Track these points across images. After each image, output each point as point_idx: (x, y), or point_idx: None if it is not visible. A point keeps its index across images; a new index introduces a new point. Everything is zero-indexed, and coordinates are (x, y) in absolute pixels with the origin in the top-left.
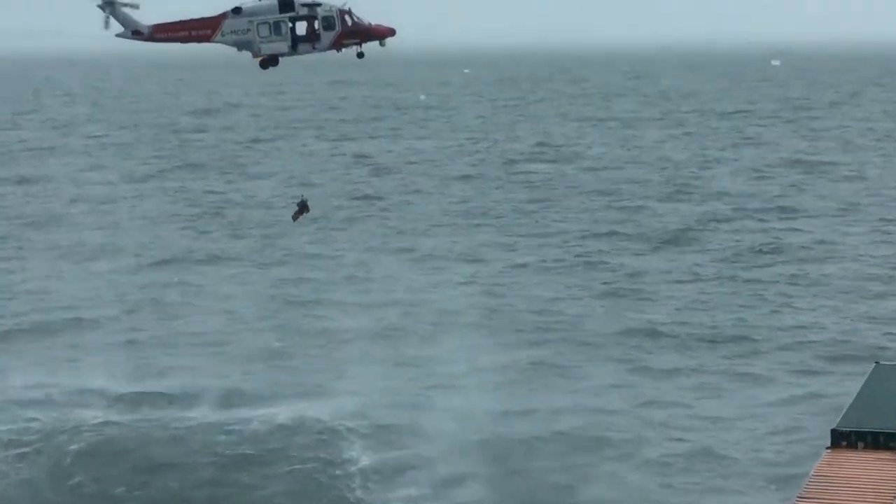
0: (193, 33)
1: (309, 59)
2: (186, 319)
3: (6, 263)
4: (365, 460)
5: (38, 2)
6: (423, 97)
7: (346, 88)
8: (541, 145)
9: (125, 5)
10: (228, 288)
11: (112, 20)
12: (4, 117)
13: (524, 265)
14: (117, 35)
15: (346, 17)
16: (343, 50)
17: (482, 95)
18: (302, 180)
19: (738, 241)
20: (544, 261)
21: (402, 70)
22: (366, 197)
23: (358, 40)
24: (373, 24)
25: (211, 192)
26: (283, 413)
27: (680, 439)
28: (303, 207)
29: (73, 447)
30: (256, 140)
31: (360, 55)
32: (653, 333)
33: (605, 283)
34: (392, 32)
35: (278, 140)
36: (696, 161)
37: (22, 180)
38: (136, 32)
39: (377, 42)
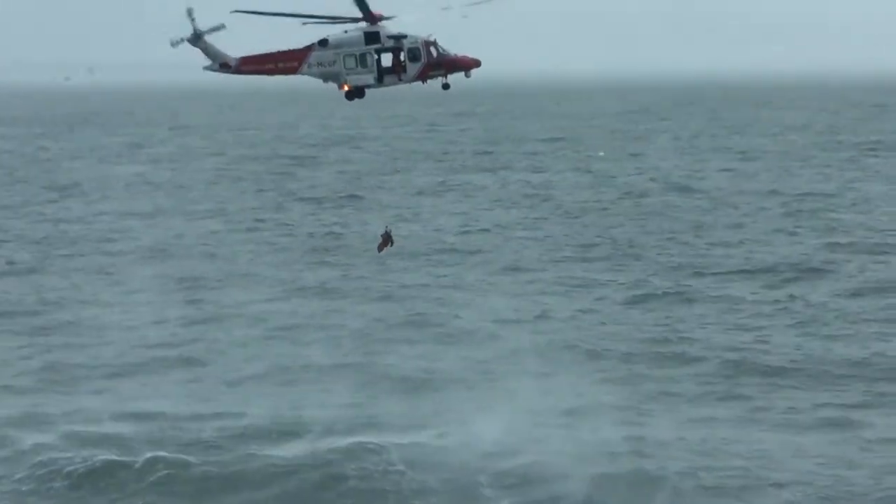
0: (280, 65)
1: (426, 90)
2: (288, 353)
3: (115, 297)
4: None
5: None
6: (601, 153)
7: (468, 120)
8: (654, 180)
9: (213, 30)
10: (331, 321)
11: (182, 41)
12: (119, 150)
13: (634, 298)
14: (205, 68)
15: (432, 49)
16: (428, 81)
17: (603, 127)
18: (413, 213)
19: (860, 276)
20: (654, 295)
21: (530, 101)
22: (476, 231)
23: (443, 71)
24: (458, 55)
25: (322, 225)
26: (387, 452)
27: (807, 482)
28: (387, 239)
29: (169, 483)
30: (370, 173)
31: (446, 86)
32: (768, 371)
33: (718, 319)
34: (477, 63)
35: (394, 173)
36: (817, 193)
37: (128, 214)
38: (223, 65)
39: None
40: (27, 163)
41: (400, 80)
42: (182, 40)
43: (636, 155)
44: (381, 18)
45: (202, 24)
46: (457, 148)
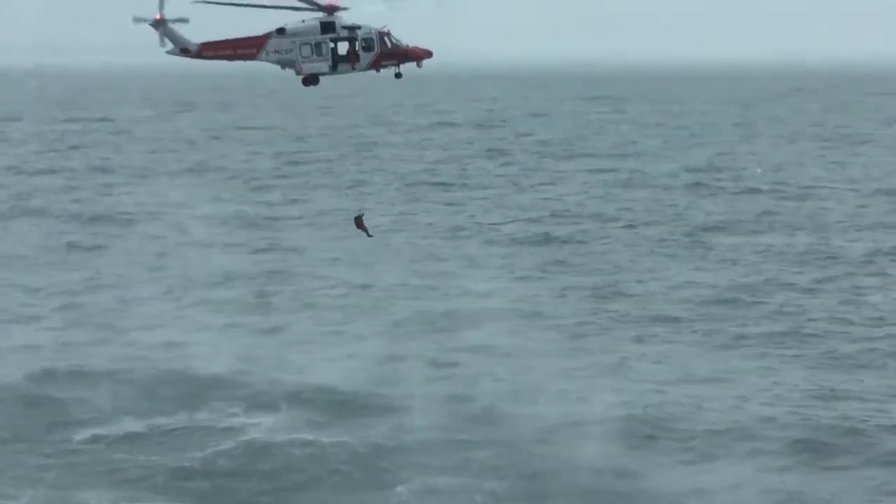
0: (239, 51)
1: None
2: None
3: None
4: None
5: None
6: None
7: (599, 104)
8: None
9: (176, 20)
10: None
11: (143, 21)
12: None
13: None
14: (167, 52)
15: (386, 39)
16: (381, 70)
17: (695, 118)
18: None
19: None
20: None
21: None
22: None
23: (396, 61)
24: (410, 45)
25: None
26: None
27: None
28: (359, 221)
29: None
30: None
31: (398, 76)
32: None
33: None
34: (429, 54)
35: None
36: None
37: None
38: (184, 50)
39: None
40: None
41: (353, 68)
42: (144, 20)
43: (743, 142)
44: (337, 9)
45: (169, 14)
46: (575, 134)
